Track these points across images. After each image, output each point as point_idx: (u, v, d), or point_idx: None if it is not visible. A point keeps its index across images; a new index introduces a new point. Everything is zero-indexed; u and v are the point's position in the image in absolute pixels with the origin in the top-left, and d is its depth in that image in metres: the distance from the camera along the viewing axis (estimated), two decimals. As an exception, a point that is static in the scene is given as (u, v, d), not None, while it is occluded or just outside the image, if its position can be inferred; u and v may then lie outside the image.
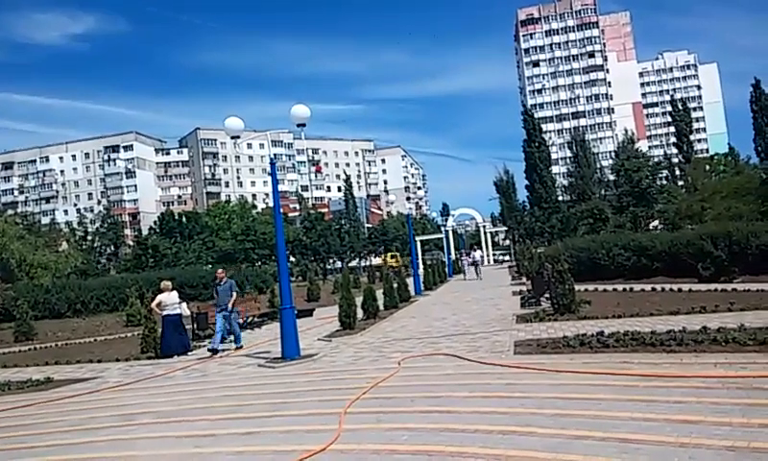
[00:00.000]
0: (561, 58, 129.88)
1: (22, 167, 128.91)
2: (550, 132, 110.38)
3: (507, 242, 76.15)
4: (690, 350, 8.31)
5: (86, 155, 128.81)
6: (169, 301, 14.11)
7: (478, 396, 7.10)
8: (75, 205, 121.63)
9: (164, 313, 14.02)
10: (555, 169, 77.98)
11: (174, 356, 13.61)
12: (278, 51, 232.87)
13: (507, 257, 70.95)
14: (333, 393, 8.16)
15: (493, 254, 71.22)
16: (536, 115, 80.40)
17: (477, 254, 39.51)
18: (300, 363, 11.08)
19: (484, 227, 72.13)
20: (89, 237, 76.11)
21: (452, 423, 6.03)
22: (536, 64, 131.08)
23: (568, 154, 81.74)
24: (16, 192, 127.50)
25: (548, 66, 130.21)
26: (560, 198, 70.46)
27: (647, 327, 10.14)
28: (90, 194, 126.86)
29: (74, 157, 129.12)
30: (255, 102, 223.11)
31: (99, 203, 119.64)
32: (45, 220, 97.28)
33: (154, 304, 14.22)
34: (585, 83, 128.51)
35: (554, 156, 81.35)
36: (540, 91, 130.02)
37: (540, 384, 7.36)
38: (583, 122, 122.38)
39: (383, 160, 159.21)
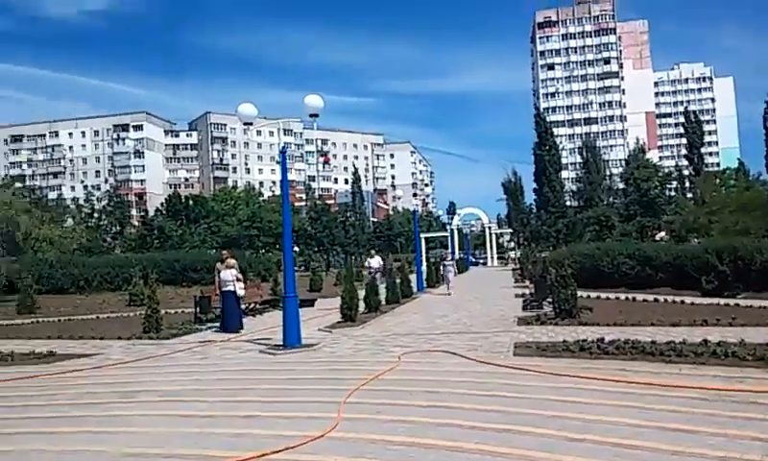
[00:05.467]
0: (576, 62, 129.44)
1: (31, 141, 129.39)
2: (561, 136, 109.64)
3: (512, 244, 75.87)
4: (690, 361, 8.34)
5: (96, 132, 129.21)
6: (224, 277, 14.77)
7: (476, 394, 7.16)
8: (82, 182, 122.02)
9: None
10: (564, 174, 77.61)
11: (233, 333, 14.13)
12: (291, 39, 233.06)
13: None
14: (333, 382, 8.23)
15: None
16: (548, 119, 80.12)
17: (375, 260, 27.13)
18: (301, 352, 11.16)
19: (489, 228, 72.18)
20: (95, 215, 76.28)
21: (450, 418, 6.09)
22: (551, 67, 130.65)
23: (578, 159, 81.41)
24: (24, 165, 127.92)
25: (563, 70, 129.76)
26: (567, 203, 70.26)
27: (648, 337, 10.16)
28: (98, 172, 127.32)
29: (83, 133, 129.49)
30: (265, 89, 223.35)
31: (106, 181, 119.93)
32: (52, 195, 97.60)
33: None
34: (599, 89, 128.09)
35: (564, 160, 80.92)
36: (553, 95, 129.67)
37: (539, 386, 7.41)
38: (595, 128, 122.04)
39: (392, 156, 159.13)
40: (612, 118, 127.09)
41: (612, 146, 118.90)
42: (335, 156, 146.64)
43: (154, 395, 8.05)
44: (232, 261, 15.42)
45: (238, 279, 15.02)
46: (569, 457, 4.78)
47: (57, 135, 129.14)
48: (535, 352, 9.69)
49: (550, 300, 15.03)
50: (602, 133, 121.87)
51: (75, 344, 13.50)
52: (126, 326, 16.23)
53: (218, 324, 15.55)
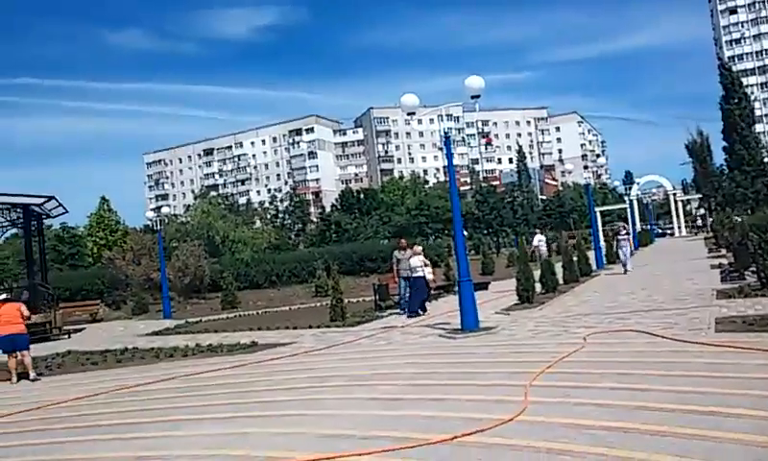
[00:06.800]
0: (763, 1, 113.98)
1: (220, 153, 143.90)
2: (752, 86, 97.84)
3: (701, 210, 69.11)
4: None
5: (274, 139, 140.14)
6: (414, 263, 15.33)
7: (675, 374, 6.64)
8: (266, 185, 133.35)
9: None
10: (759, 127, 69.03)
11: (416, 316, 14.81)
12: (444, 23, 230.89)
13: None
14: (516, 365, 8.14)
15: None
16: (734, 68, 71.65)
17: (537, 238, 28.20)
18: (480, 335, 11.16)
19: (674, 195, 66.57)
20: (280, 215, 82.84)
21: (647, 401, 5.72)
22: (733, 12, 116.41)
23: (775, 109, 71.88)
24: (217, 176, 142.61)
25: (748, 12, 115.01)
26: (765, 160, 62.34)
27: None
28: (278, 175, 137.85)
29: (263, 141, 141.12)
30: (423, 77, 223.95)
31: (286, 183, 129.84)
32: (242, 200, 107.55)
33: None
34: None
35: (758, 112, 72.02)
36: (738, 41, 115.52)
37: (748, 364, 6.70)
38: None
39: (557, 128, 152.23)
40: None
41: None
42: (497, 135, 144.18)
43: (346, 379, 8.56)
44: (419, 248, 16.13)
45: (425, 265, 15.50)
46: (796, 444, 4.26)
47: (241, 146, 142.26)
48: (740, 328, 8.79)
49: (753, 269, 13.59)
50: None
51: (272, 334, 14.77)
52: (314, 315, 17.42)
53: (397, 310, 16.12)
